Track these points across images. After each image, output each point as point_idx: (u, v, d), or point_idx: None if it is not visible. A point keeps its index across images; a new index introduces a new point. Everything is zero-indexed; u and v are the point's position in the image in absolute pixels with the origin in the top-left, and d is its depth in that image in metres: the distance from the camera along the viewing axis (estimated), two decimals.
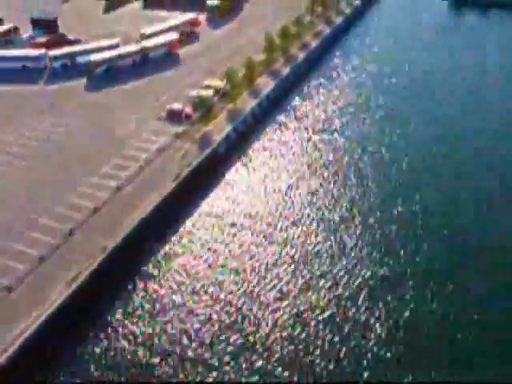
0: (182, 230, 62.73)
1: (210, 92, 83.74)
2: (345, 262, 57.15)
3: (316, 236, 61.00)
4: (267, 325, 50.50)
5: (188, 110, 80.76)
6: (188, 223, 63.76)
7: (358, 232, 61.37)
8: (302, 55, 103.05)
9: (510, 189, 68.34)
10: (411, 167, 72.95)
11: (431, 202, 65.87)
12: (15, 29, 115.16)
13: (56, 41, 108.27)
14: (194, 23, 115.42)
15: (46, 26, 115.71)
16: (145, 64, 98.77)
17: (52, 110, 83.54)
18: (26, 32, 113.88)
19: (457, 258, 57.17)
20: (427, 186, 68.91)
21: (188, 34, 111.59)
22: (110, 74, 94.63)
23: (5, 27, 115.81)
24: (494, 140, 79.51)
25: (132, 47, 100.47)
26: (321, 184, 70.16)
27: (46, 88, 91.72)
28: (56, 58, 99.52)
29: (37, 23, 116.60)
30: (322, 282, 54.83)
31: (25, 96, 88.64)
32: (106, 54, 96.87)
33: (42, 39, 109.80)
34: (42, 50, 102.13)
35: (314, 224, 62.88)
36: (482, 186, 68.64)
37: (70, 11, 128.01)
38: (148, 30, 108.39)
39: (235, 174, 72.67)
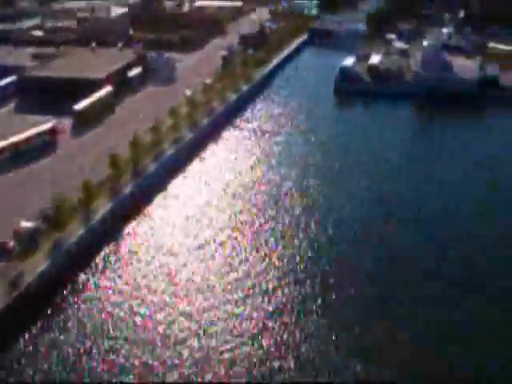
0: None
1: (35, 223, 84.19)
2: None
3: None
4: None
5: (10, 243, 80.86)
6: None
7: None
8: (152, 167, 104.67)
9: None
10: None
11: None
12: None
13: None
14: (54, 131, 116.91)
15: None
16: None
17: None
18: None
19: None
20: None
21: (46, 144, 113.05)
22: None
23: None
24: None
25: None
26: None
27: None
28: None
29: None
30: None
31: None
32: None
33: None
34: None
35: None
36: None
37: None
38: None
39: (46, 322, 71.80)
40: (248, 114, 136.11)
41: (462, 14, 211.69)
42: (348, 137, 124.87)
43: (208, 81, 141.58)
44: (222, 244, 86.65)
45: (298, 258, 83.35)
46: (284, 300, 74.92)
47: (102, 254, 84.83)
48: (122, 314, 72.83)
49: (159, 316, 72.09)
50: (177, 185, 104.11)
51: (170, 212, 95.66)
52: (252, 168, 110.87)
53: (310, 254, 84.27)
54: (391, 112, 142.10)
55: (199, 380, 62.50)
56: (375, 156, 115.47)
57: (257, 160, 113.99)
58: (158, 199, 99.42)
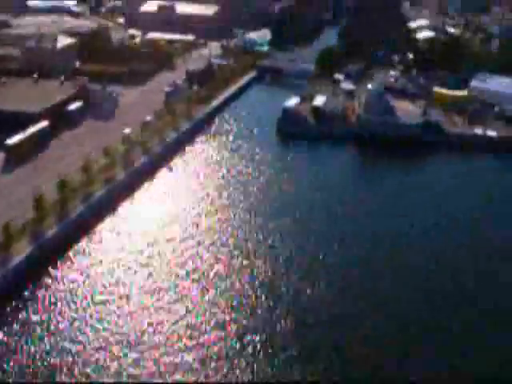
0: None
1: None
2: None
3: None
4: None
5: None
6: None
7: None
8: (80, 208, 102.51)
9: None
10: None
11: None
12: None
13: None
14: None
15: None
16: None
17: None
18: None
19: None
20: None
21: None
22: None
23: None
24: None
25: None
26: None
27: None
28: None
29: None
30: None
31: None
32: None
33: None
34: None
35: None
36: None
37: None
38: None
39: None
40: (186, 153, 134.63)
41: (411, 56, 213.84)
42: (283, 180, 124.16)
43: (148, 118, 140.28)
44: (142, 298, 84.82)
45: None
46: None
47: (17, 303, 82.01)
48: None
49: None
50: (103, 228, 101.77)
51: (93, 258, 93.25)
52: (185, 211, 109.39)
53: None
54: (333, 155, 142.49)
55: None
56: (306, 199, 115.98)
57: (189, 204, 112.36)
58: (83, 243, 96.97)
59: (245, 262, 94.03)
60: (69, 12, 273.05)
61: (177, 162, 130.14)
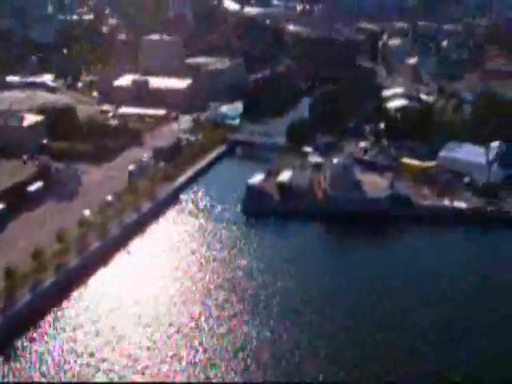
0: None
1: None
2: None
3: None
4: None
5: None
6: None
7: None
8: (27, 298, 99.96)
9: None
10: None
11: None
12: None
13: None
14: None
15: None
16: None
17: None
18: None
19: None
20: None
21: None
22: None
23: None
24: None
25: None
26: None
27: None
28: None
29: None
30: None
31: None
32: None
33: None
34: None
35: None
36: None
37: None
38: None
39: None
40: (146, 235, 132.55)
41: (382, 125, 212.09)
42: (243, 262, 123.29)
43: (109, 198, 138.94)
44: None
45: None
46: None
47: None
48: None
49: None
50: (51, 321, 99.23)
51: (36, 356, 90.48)
52: (140, 298, 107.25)
53: None
54: (299, 233, 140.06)
55: None
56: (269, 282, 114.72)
57: (145, 290, 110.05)
58: (28, 334, 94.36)
59: (196, 352, 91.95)
60: (45, 87, 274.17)
61: (136, 244, 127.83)
